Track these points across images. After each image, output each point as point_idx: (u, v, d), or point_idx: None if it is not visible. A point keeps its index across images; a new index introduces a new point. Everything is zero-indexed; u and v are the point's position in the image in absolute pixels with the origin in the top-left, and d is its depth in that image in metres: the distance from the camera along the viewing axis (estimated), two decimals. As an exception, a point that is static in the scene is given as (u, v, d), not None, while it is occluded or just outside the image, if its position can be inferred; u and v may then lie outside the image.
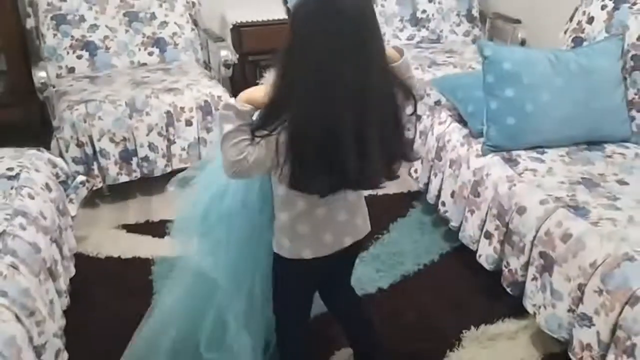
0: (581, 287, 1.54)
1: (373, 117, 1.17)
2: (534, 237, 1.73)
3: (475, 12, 3.44)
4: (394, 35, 3.33)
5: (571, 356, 1.58)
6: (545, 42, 2.71)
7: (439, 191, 2.30)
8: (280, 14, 3.10)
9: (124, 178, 2.64)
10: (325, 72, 1.13)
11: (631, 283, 1.42)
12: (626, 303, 1.41)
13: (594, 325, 1.50)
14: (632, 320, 1.39)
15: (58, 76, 2.92)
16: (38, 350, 1.50)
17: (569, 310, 1.59)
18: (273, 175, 1.30)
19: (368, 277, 2.11)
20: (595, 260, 1.51)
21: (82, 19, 2.99)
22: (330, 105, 1.14)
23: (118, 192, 2.73)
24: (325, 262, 1.38)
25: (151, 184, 2.75)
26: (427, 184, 2.41)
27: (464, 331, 1.88)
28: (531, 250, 1.74)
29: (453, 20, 3.41)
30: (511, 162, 1.98)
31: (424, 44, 3.34)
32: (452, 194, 2.19)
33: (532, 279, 1.75)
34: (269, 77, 1.24)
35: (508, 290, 1.87)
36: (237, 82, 3.15)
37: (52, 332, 1.59)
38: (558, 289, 1.62)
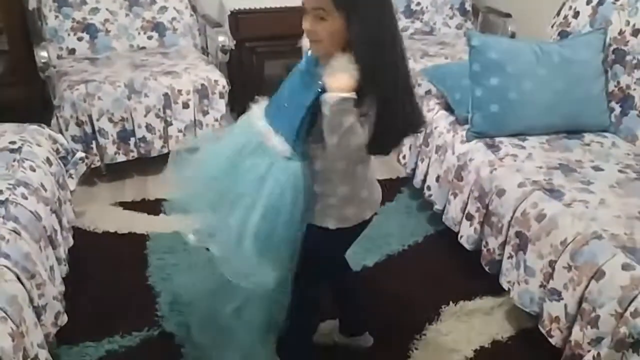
0: (552, 264, 1.63)
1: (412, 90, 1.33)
2: (511, 218, 1.82)
3: (468, 6, 3.52)
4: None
5: (541, 328, 1.68)
6: (533, 35, 2.80)
7: (425, 176, 2.39)
8: (277, 2, 3.17)
9: (121, 157, 2.72)
10: (393, 43, 1.27)
11: (598, 259, 1.51)
12: (592, 277, 1.50)
13: (562, 299, 1.59)
14: (597, 293, 1.49)
15: (59, 57, 2.99)
16: (38, 311, 1.58)
17: (540, 286, 1.69)
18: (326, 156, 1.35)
19: (354, 255, 2.19)
20: (566, 239, 1.61)
21: (84, 1, 3.05)
22: (404, 68, 1.29)
23: (115, 171, 2.81)
24: (356, 228, 1.47)
25: (148, 164, 2.83)
26: (414, 169, 2.50)
27: (443, 306, 1.98)
28: (508, 230, 1.83)
29: (446, 13, 3.49)
30: (493, 147, 2.06)
31: (417, 36, 3.42)
32: (437, 179, 2.28)
33: (508, 257, 1.84)
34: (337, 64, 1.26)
35: (486, 269, 1.97)
36: (233, 68, 3.22)
37: (52, 295, 1.67)
38: (531, 266, 1.71)
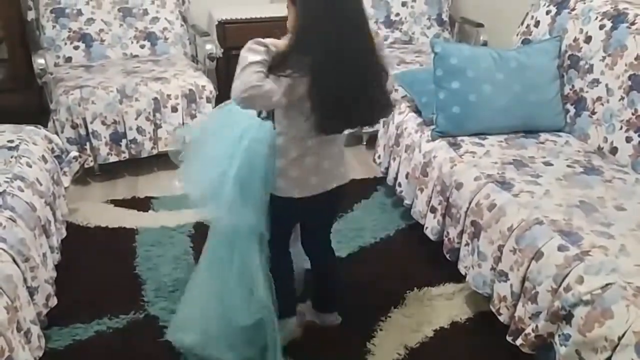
0: (500, 248, 1.79)
1: (367, 71, 1.50)
2: (467, 209, 1.98)
3: (445, 17, 3.70)
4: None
5: (491, 308, 1.83)
6: (503, 43, 2.97)
7: (397, 174, 2.55)
8: (261, 12, 3.36)
9: (113, 158, 2.88)
10: (334, 28, 1.44)
11: (538, 242, 1.67)
12: (532, 258, 1.66)
13: (509, 279, 1.75)
14: (536, 272, 1.64)
15: (56, 65, 3.16)
16: (31, 291, 1.74)
17: (491, 269, 1.84)
18: (277, 125, 1.61)
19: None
20: (512, 225, 1.77)
21: (80, 12, 3.24)
22: (341, 58, 1.45)
23: (108, 171, 2.98)
24: (310, 201, 1.67)
25: (138, 164, 3.00)
26: (387, 168, 2.66)
27: (407, 292, 2.14)
28: (465, 220, 2.00)
29: (424, 23, 3.68)
30: (455, 146, 2.23)
31: (397, 45, 3.59)
32: (407, 176, 2.44)
33: (465, 245, 2.00)
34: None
35: (447, 257, 2.12)
36: (221, 74, 3.40)
37: (44, 278, 1.83)
38: (483, 251, 1.87)
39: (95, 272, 2.23)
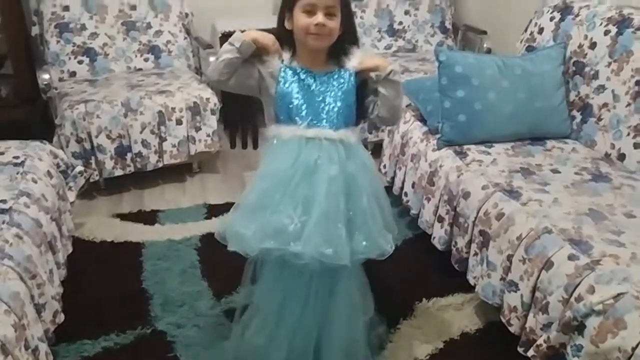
0: (510, 258, 1.78)
1: None
2: (475, 218, 1.97)
3: (448, 24, 3.71)
4: (373, 45, 3.60)
5: (502, 318, 1.81)
6: (507, 50, 2.97)
7: (403, 183, 2.54)
8: (264, 24, 3.35)
9: (118, 172, 2.88)
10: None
11: (547, 251, 1.65)
12: (542, 268, 1.65)
13: (519, 289, 1.73)
14: (547, 282, 1.63)
15: (60, 79, 3.17)
16: (38, 308, 1.73)
17: (500, 279, 1.83)
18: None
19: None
20: (521, 234, 1.75)
21: (84, 27, 3.25)
22: None
23: (113, 185, 2.98)
24: None
25: (144, 177, 3.00)
26: (393, 177, 2.65)
27: (416, 303, 2.12)
28: (473, 229, 1.98)
29: (427, 31, 3.68)
30: (461, 154, 2.22)
31: (400, 53, 3.60)
32: (413, 185, 2.43)
33: (474, 255, 1.98)
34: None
35: (456, 267, 2.11)
36: (225, 86, 3.40)
37: (50, 295, 1.82)
38: (492, 261, 1.86)
39: (101, 287, 2.22)
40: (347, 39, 1.61)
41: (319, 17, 1.52)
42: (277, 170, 1.54)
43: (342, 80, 1.60)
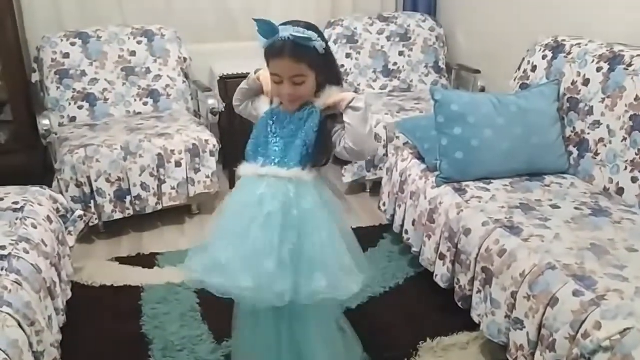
0: (514, 295, 1.76)
1: None
2: (477, 255, 1.96)
3: (442, 64, 3.77)
4: (368, 85, 3.65)
5: (508, 357, 1.78)
6: (501, 88, 3.02)
7: (403, 221, 2.54)
8: (262, 66, 3.41)
9: (118, 215, 2.88)
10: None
11: (552, 288, 1.64)
12: (548, 305, 1.63)
13: (525, 327, 1.71)
14: (552, 319, 1.61)
15: (60, 125, 3.20)
16: (37, 356, 1.70)
17: (505, 317, 1.81)
18: None
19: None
20: (524, 270, 1.74)
21: (84, 73, 3.30)
22: None
23: (112, 229, 2.97)
24: None
25: (143, 220, 2.99)
26: (393, 215, 2.65)
27: (420, 342, 2.09)
28: (475, 266, 1.97)
29: (422, 71, 3.74)
30: (460, 191, 2.23)
31: (396, 93, 3.65)
32: (413, 222, 2.43)
33: (477, 292, 1.97)
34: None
35: (459, 305, 2.09)
36: (224, 128, 3.43)
37: (49, 342, 1.79)
38: (496, 299, 1.84)
39: (101, 332, 2.19)
40: (331, 82, 1.62)
41: (286, 89, 1.56)
42: (228, 209, 1.63)
43: (305, 119, 1.61)
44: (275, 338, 1.67)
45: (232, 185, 3.50)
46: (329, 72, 1.62)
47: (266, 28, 1.52)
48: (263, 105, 1.70)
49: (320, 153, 1.62)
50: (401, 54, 3.72)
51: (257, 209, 1.53)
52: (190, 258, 1.62)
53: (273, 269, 1.48)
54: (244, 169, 1.63)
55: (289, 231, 1.51)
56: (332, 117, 1.63)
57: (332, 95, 1.60)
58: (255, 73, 1.73)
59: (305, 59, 1.52)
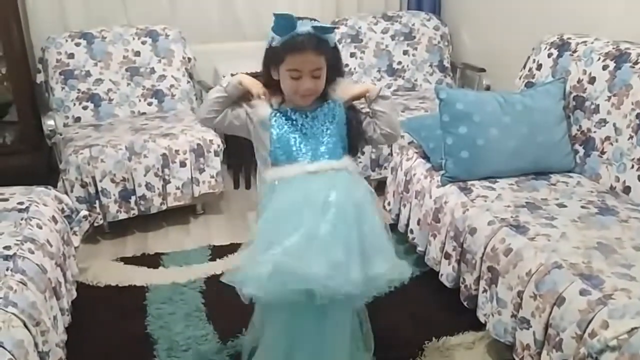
0: (520, 294, 1.75)
1: None
2: (483, 254, 1.95)
3: (446, 63, 3.76)
4: (373, 85, 3.64)
5: (515, 357, 1.77)
6: (506, 87, 3.00)
7: (408, 220, 2.53)
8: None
9: (123, 215, 2.88)
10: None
11: (558, 287, 1.63)
12: (554, 304, 1.62)
13: (531, 326, 1.70)
14: (559, 318, 1.60)
15: (65, 125, 3.20)
16: (42, 356, 1.70)
17: (511, 316, 1.80)
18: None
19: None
20: (531, 270, 1.73)
21: (88, 74, 3.31)
22: None
23: (117, 229, 2.97)
24: None
25: (148, 220, 3.00)
26: (397, 215, 2.64)
27: (426, 342, 2.08)
28: (481, 265, 1.96)
29: (426, 70, 3.73)
30: (466, 190, 2.22)
31: (400, 92, 3.64)
32: (418, 222, 2.42)
33: (483, 292, 1.96)
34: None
35: (465, 304, 2.08)
36: (228, 128, 3.43)
37: (55, 342, 1.79)
38: (502, 298, 1.83)
39: (106, 333, 2.19)
40: (335, 75, 1.67)
41: (307, 83, 1.57)
42: (284, 208, 1.53)
43: (333, 114, 1.65)
44: (315, 330, 1.63)
45: (236, 185, 3.50)
46: (337, 66, 1.66)
47: (285, 23, 1.54)
48: (260, 109, 1.66)
49: (354, 144, 1.69)
50: (406, 53, 3.71)
51: (320, 202, 1.51)
52: (249, 268, 1.51)
53: (345, 257, 1.47)
54: (284, 171, 1.60)
55: (352, 219, 1.51)
56: (351, 107, 1.70)
57: (348, 88, 1.67)
58: (228, 83, 1.67)
59: (325, 52, 1.57)
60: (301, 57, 1.54)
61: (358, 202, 1.55)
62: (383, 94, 1.67)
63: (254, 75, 1.74)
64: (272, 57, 1.61)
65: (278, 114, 1.65)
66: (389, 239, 1.62)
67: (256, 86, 1.67)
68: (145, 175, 2.87)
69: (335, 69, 1.66)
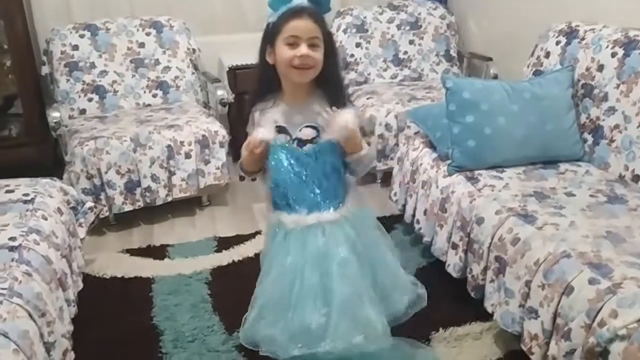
0: (528, 284, 1.73)
1: None
2: (490, 244, 1.93)
3: (453, 52, 3.72)
4: (379, 75, 3.62)
5: (522, 347, 1.76)
6: (513, 75, 2.97)
7: (414, 211, 2.51)
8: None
9: (128, 207, 2.88)
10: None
11: (567, 276, 1.61)
12: (563, 293, 1.60)
13: (539, 316, 1.68)
14: (568, 308, 1.58)
15: (70, 117, 3.20)
16: (48, 347, 1.70)
17: (519, 306, 1.78)
18: None
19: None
20: (539, 259, 1.71)
21: (93, 65, 3.30)
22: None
23: (123, 220, 2.97)
24: None
25: (153, 212, 2.99)
26: (404, 205, 2.62)
27: (433, 332, 2.07)
28: (488, 255, 1.94)
29: (433, 60, 3.70)
30: (473, 179, 2.19)
31: (406, 82, 3.61)
32: (425, 212, 2.40)
33: (490, 281, 1.94)
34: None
35: (472, 294, 2.06)
36: (233, 118, 3.42)
37: (61, 333, 1.79)
38: (510, 288, 1.81)
39: (112, 324, 2.19)
40: (330, 78, 1.62)
41: (303, 49, 1.53)
42: (285, 264, 1.55)
43: (327, 156, 1.60)
44: None
45: (241, 177, 3.48)
46: (332, 60, 1.61)
47: None
48: (266, 132, 1.60)
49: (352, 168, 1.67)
50: (412, 42, 3.68)
51: (327, 262, 1.52)
52: (262, 328, 1.57)
53: (371, 314, 1.51)
54: (283, 218, 1.60)
55: (364, 268, 1.52)
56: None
57: (339, 127, 1.55)
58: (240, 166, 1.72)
59: (321, 24, 1.56)
60: (300, 22, 1.53)
61: (366, 243, 1.57)
62: (360, 153, 1.59)
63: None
64: (269, 34, 1.59)
65: (284, 153, 1.60)
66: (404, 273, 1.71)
67: (251, 141, 1.59)
68: (150, 167, 2.86)
69: (331, 68, 1.61)
